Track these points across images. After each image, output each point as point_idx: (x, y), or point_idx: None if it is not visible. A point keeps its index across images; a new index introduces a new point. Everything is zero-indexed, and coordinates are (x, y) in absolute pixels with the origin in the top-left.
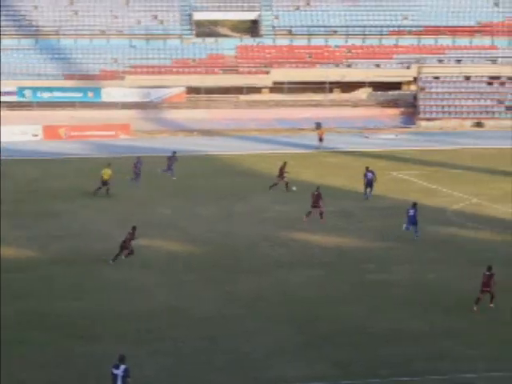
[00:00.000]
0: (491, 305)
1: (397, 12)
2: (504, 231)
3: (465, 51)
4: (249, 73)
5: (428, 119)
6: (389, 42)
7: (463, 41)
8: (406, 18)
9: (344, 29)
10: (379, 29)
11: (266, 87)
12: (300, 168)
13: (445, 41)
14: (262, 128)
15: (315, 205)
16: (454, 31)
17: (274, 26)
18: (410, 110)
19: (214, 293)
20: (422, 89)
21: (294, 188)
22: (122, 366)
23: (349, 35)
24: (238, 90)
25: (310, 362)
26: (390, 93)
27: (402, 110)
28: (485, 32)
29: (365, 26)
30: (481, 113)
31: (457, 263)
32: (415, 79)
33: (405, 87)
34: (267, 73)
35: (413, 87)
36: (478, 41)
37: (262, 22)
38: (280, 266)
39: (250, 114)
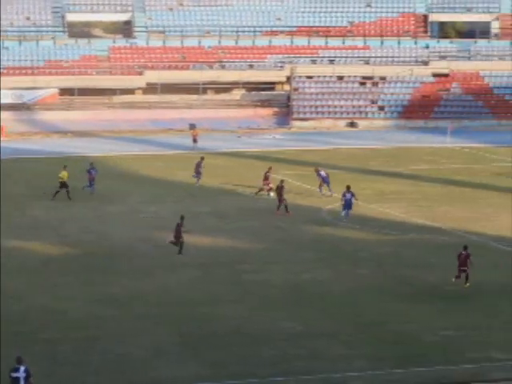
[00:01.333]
0: (467, 284)
1: (269, 13)
2: (378, 231)
3: (337, 51)
4: (122, 74)
5: (302, 119)
6: (262, 42)
7: (336, 41)
8: (278, 19)
9: (217, 29)
10: (252, 29)
11: (139, 88)
12: (175, 169)
13: (318, 41)
14: (136, 129)
15: (280, 198)
16: (326, 32)
17: (147, 27)
18: (284, 110)
19: (89, 294)
20: (296, 89)
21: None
22: (22, 367)
23: (222, 36)
24: (112, 92)
25: (187, 363)
26: (264, 93)
27: (276, 110)
28: (357, 32)
29: (238, 27)
30: (354, 113)
31: (332, 263)
32: (288, 79)
33: (278, 87)
34: (140, 74)
35: (286, 87)
36: (350, 41)
37: (135, 23)
38: (156, 267)
39: (124, 115)
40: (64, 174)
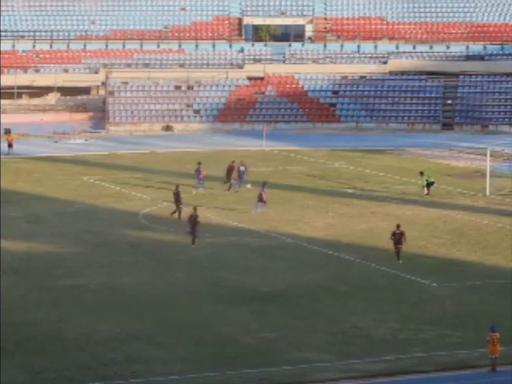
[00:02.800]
0: (400, 261)
1: (84, 16)
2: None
3: (152, 55)
4: None
5: (118, 124)
6: (77, 46)
7: (151, 45)
8: (93, 23)
9: (31, 33)
10: (67, 33)
11: None
12: None
13: (133, 45)
14: None
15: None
16: (141, 35)
17: None
18: (100, 114)
19: None
20: (111, 93)
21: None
22: None
23: (36, 40)
24: None
25: (3, 369)
26: (79, 97)
27: (92, 114)
28: (172, 36)
29: (52, 31)
30: (170, 117)
31: (149, 267)
32: (104, 84)
33: (94, 92)
34: None
35: (102, 92)
36: (165, 45)
37: None
38: None
39: None
40: None
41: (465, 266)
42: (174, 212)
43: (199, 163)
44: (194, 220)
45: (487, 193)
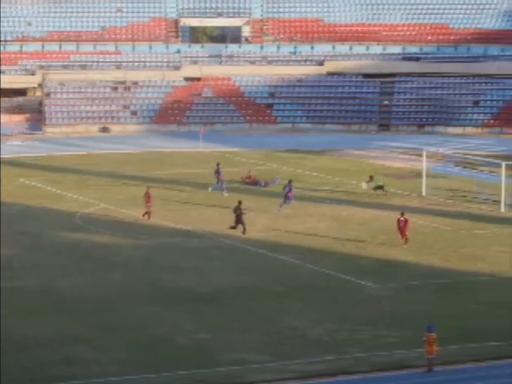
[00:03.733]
0: (405, 246)
1: (20, 18)
2: (130, 235)
3: (89, 56)
4: None
5: (54, 125)
6: (13, 48)
7: (87, 46)
8: (29, 24)
9: None
10: (3, 35)
11: None
12: None
13: (69, 46)
14: None
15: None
16: (78, 36)
17: None
18: (37, 116)
19: None
20: (48, 95)
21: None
22: None
23: None
24: None
25: None
26: (16, 99)
27: (28, 116)
28: (109, 37)
29: None
30: (106, 118)
31: (85, 268)
32: (40, 85)
33: (30, 93)
34: None
35: (38, 93)
36: (102, 46)
37: None
38: None
39: None
40: None
41: (401, 266)
42: (145, 214)
43: (218, 164)
44: (238, 212)
45: (423, 193)
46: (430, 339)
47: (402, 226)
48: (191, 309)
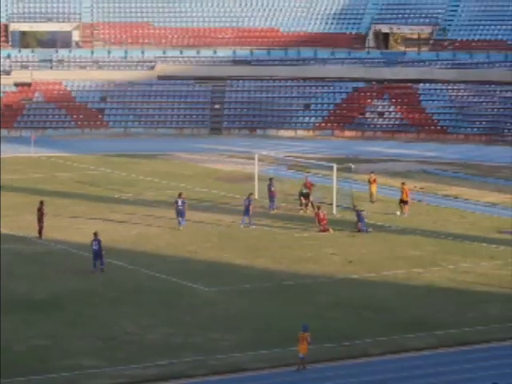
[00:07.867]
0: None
1: None
2: None
3: None
4: None
5: None
6: None
7: None
8: None
9: None
10: None
11: None
12: None
13: None
14: None
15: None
16: None
17: None
18: None
19: None
20: None
21: None
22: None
23: None
24: None
25: None
26: None
27: None
28: None
29: None
30: None
31: None
32: None
33: None
34: None
35: None
36: None
37: None
38: None
39: None
40: None
41: (234, 269)
42: (40, 230)
43: (271, 178)
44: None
45: (256, 196)
46: (303, 338)
47: (322, 218)
48: (27, 315)
